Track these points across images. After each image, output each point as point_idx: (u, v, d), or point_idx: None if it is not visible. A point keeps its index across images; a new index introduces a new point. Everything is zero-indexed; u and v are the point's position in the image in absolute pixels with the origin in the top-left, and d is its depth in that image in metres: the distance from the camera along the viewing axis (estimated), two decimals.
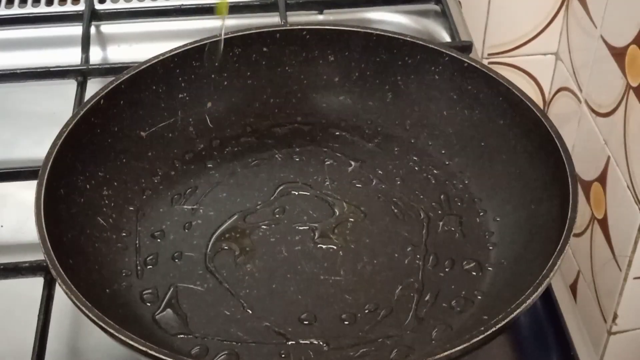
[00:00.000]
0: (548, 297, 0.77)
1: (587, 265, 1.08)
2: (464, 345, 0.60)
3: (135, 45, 1.03)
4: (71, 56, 0.98)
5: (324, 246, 0.77)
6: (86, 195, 0.76)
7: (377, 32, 0.87)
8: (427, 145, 0.85)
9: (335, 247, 0.77)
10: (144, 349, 0.60)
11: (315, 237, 0.77)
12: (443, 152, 0.84)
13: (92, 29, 1.01)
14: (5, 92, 0.95)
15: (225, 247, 0.77)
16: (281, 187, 0.82)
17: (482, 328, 0.61)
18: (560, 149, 0.74)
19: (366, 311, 0.72)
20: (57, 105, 0.92)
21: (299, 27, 0.88)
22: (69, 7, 1.05)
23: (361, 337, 0.70)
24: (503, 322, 0.62)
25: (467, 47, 0.95)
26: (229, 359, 0.68)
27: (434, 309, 0.72)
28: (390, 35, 0.87)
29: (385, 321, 0.71)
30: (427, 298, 0.73)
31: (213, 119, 0.87)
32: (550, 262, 0.65)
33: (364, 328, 0.70)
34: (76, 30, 1.00)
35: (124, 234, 0.77)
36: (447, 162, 0.84)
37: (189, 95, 0.86)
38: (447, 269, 0.74)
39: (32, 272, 0.74)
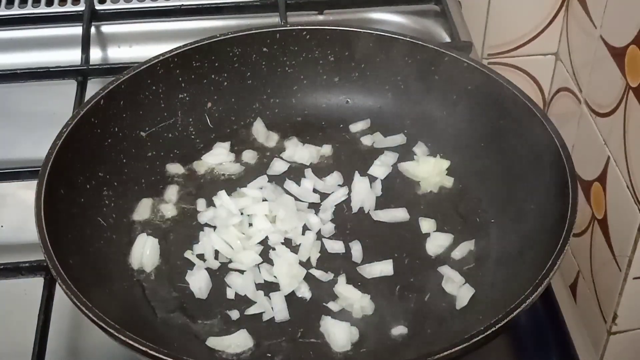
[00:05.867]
0: (548, 297, 0.77)
1: (587, 265, 1.08)
2: (464, 345, 0.60)
3: (135, 45, 1.03)
4: (71, 56, 0.98)
5: (325, 246, 0.77)
6: (86, 195, 0.76)
7: (377, 32, 0.87)
8: (427, 146, 0.85)
9: (335, 247, 0.77)
10: (143, 348, 0.60)
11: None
12: (443, 152, 0.84)
13: (92, 29, 1.01)
14: (5, 92, 0.95)
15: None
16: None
17: (482, 328, 0.61)
18: (560, 149, 0.74)
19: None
20: (57, 105, 0.92)
21: (299, 27, 0.88)
22: (69, 7, 1.05)
23: (361, 336, 0.70)
24: (503, 322, 0.62)
25: (467, 47, 0.95)
26: (229, 358, 0.69)
27: (433, 308, 0.72)
28: (390, 35, 0.87)
29: (384, 321, 0.71)
30: (427, 298, 0.73)
31: (213, 119, 0.87)
32: (550, 262, 0.65)
33: (364, 328, 0.70)
34: (76, 30, 1.00)
35: (124, 234, 0.77)
36: None
37: (189, 95, 0.86)
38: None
39: (32, 272, 0.74)
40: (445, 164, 0.83)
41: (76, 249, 0.71)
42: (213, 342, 0.69)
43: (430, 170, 0.83)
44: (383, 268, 0.74)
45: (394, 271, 0.74)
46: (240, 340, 0.69)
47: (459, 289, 0.73)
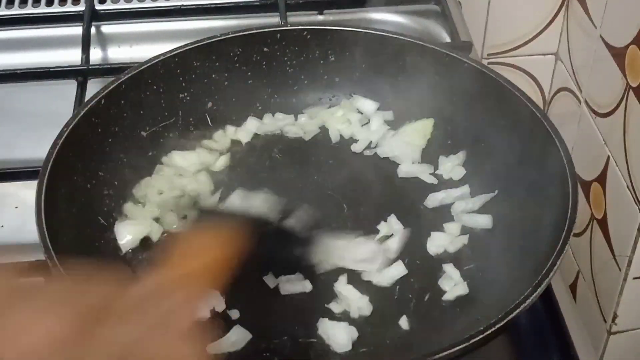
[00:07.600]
0: (548, 297, 0.77)
1: (587, 265, 1.08)
2: (464, 345, 0.60)
3: (135, 45, 1.03)
4: (71, 56, 0.98)
5: None
6: (86, 195, 0.76)
7: (377, 32, 0.87)
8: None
9: None
10: None
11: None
12: (443, 152, 0.84)
13: (92, 29, 1.01)
14: (5, 92, 0.95)
15: None
16: (284, 188, 0.82)
17: (482, 328, 0.61)
18: (560, 149, 0.74)
19: (363, 312, 0.72)
20: (57, 105, 0.91)
21: (299, 27, 0.88)
22: (69, 7, 1.05)
23: (361, 336, 0.70)
24: (503, 322, 0.62)
25: (467, 47, 0.95)
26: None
27: (433, 308, 0.72)
28: (390, 35, 0.87)
29: (385, 321, 0.71)
30: (426, 298, 0.73)
31: (214, 119, 0.87)
32: (550, 262, 0.65)
33: (364, 328, 0.70)
34: (76, 30, 1.00)
35: None
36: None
37: (190, 95, 0.86)
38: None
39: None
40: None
41: (76, 248, 0.71)
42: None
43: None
44: (397, 271, 0.74)
45: None
46: (238, 336, 0.69)
47: (453, 287, 0.73)
